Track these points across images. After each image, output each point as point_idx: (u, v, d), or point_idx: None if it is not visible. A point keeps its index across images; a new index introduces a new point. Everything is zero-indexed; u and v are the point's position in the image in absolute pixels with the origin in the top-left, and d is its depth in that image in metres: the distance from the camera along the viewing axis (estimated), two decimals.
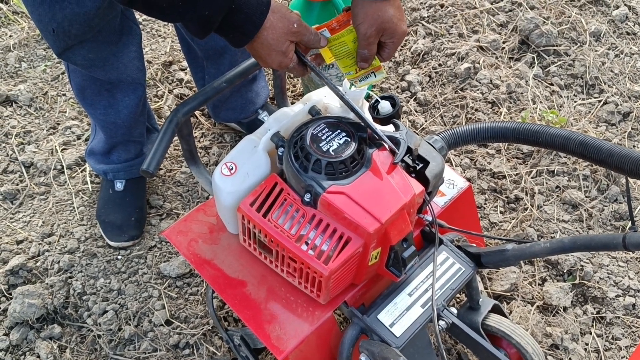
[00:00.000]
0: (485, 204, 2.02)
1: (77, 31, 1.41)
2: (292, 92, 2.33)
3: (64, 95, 2.30)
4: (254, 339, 1.47)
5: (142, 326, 1.74)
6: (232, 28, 1.03)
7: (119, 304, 1.78)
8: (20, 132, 2.17)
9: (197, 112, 2.22)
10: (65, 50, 1.48)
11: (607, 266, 1.87)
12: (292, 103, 1.37)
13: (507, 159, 2.13)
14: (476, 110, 2.23)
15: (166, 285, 1.82)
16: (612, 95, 2.31)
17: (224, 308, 1.78)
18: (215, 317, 1.59)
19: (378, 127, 1.19)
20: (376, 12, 1.13)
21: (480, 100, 2.26)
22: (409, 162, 1.22)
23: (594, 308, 1.80)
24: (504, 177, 2.08)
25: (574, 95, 2.33)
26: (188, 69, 2.33)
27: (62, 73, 2.36)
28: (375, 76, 1.25)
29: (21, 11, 2.56)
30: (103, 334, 1.73)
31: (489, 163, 2.11)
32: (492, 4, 2.58)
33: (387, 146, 1.16)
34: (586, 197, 2.03)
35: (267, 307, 1.25)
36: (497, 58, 2.40)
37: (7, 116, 2.22)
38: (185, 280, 1.83)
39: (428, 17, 2.53)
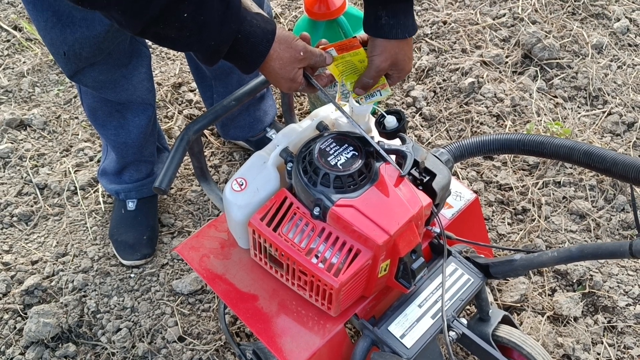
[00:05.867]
0: (492, 216, 2.03)
1: (87, 54, 1.45)
2: (299, 109, 2.37)
3: (77, 118, 2.35)
4: (266, 352, 1.48)
5: (155, 343, 1.76)
6: (239, 57, 1.07)
7: (133, 321, 1.81)
8: (34, 155, 2.22)
9: (206, 132, 2.26)
10: (77, 73, 1.52)
11: (617, 275, 1.88)
12: (299, 120, 1.40)
13: (514, 171, 2.15)
14: (481, 123, 2.26)
15: (178, 302, 1.84)
16: (616, 106, 2.33)
17: (236, 323, 1.79)
18: (228, 332, 1.60)
19: (384, 141, 1.22)
20: (394, 49, 1.19)
21: (485, 114, 2.29)
22: (416, 174, 1.24)
23: (605, 317, 1.80)
24: (511, 189, 2.09)
25: (578, 107, 2.35)
26: (197, 90, 2.38)
27: (75, 97, 2.41)
28: (381, 94, 1.28)
29: (34, 38, 2.62)
30: (117, 352, 1.75)
31: (496, 175, 2.13)
32: (494, 19, 2.61)
33: (389, 161, 1.18)
34: (593, 207, 2.04)
35: (279, 321, 1.27)
36: (500, 72, 2.43)
37: (21, 140, 2.27)
38: (197, 296, 1.85)
39: (431, 33, 2.57)
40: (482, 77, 2.37)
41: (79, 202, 2.09)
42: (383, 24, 1.16)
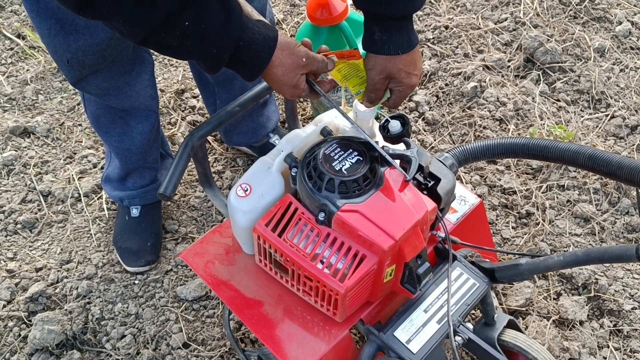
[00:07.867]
0: (496, 220, 2.03)
1: (90, 61, 1.45)
2: (302, 115, 2.37)
3: (80, 125, 2.35)
4: (271, 358, 1.47)
5: (160, 350, 1.76)
6: (241, 64, 1.08)
7: (137, 328, 1.80)
8: (38, 162, 2.22)
9: (209, 138, 2.26)
10: (80, 80, 1.53)
11: (622, 279, 1.87)
12: (303, 126, 1.40)
13: (517, 175, 2.15)
14: (484, 128, 2.26)
15: (183, 309, 1.84)
16: (619, 109, 2.33)
17: (241, 329, 1.79)
18: (232, 338, 1.60)
19: (388, 146, 1.22)
20: (385, 63, 1.20)
21: (487, 118, 2.29)
22: (421, 179, 1.24)
23: (611, 321, 1.80)
24: (515, 192, 2.09)
25: (581, 110, 2.35)
26: (200, 96, 2.38)
27: (78, 104, 2.42)
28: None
29: (37, 45, 2.63)
30: (122, 359, 1.74)
31: (499, 179, 2.12)
32: (495, 23, 2.62)
33: (395, 166, 1.18)
34: (597, 210, 2.04)
35: (284, 327, 1.27)
36: (503, 76, 2.43)
37: (25, 147, 2.27)
38: (201, 302, 1.85)
39: (433, 38, 2.57)
40: (485, 82, 2.37)
41: (82, 209, 2.09)
42: (376, 40, 1.18)
